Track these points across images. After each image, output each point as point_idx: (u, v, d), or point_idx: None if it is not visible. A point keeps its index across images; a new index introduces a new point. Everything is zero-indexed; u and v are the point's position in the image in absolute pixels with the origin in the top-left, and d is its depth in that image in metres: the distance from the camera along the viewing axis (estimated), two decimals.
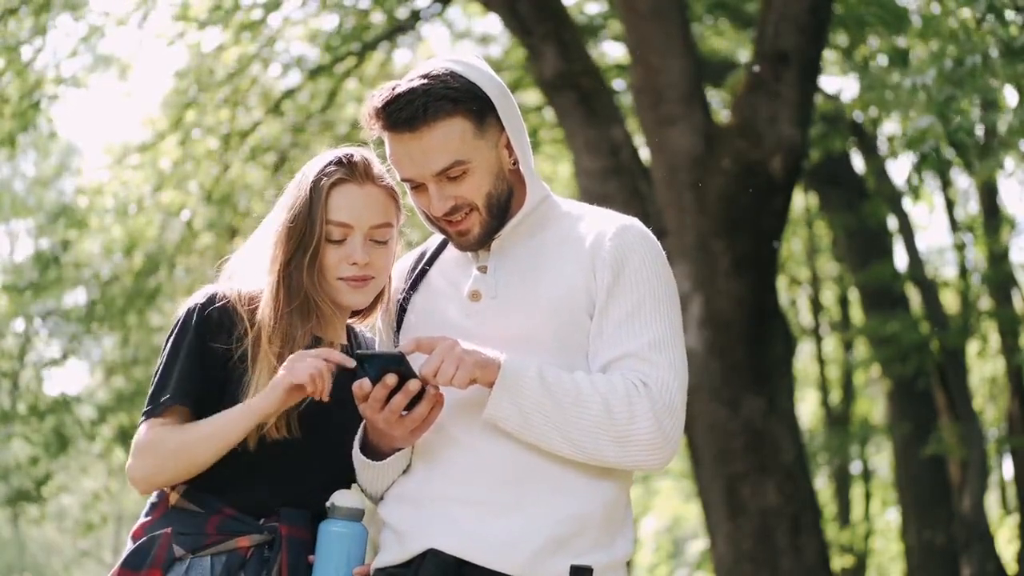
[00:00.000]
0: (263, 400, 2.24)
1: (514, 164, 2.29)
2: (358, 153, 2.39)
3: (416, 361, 2.16)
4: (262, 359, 2.30)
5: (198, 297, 2.37)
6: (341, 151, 2.39)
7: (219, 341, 2.32)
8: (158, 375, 2.34)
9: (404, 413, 2.15)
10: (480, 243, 2.28)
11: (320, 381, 2.20)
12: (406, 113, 2.17)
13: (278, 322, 2.32)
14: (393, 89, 2.20)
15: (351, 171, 2.36)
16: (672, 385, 2.18)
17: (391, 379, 2.12)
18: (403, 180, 2.27)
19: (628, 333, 2.21)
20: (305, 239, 2.33)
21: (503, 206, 2.27)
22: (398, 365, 2.12)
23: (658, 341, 2.21)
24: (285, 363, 2.24)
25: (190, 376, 2.31)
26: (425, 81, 2.19)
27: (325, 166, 2.37)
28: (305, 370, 2.21)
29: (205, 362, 2.31)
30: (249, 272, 2.41)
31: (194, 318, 2.34)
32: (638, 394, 2.15)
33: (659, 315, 2.23)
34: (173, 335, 2.36)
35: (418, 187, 2.25)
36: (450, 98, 2.18)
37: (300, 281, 2.34)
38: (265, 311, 2.34)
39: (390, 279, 2.45)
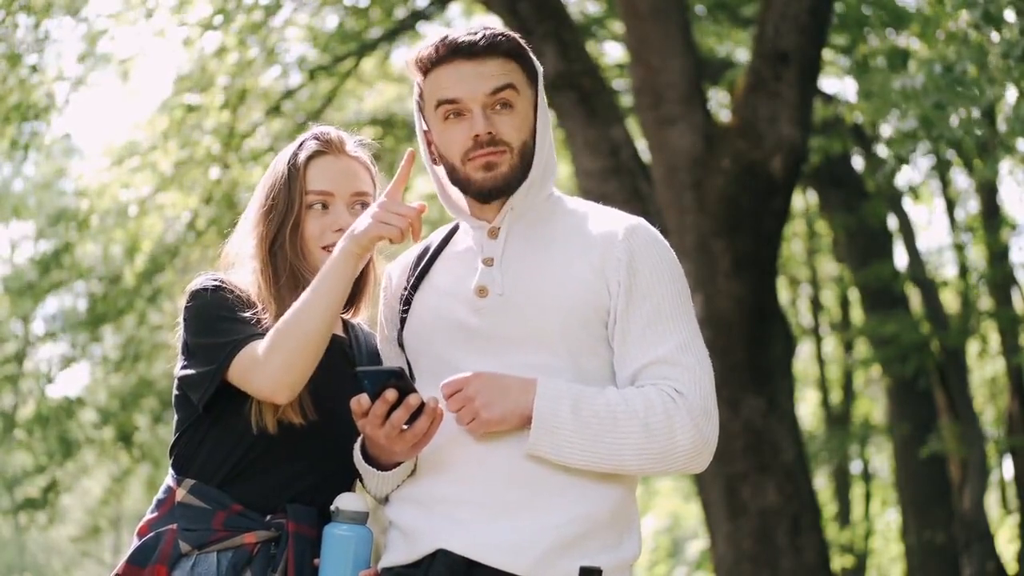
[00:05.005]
0: (352, 243, 2.19)
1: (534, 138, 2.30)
2: (332, 129, 2.46)
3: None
4: None
5: (206, 281, 2.36)
6: (315, 130, 2.46)
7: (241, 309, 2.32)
8: (210, 333, 2.28)
9: (404, 427, 2.15)
10: (504, 184, 2.25)
11: (417, 224, 2.19)
12: (468, 40, 2.23)
13: (271, 300, 2.33)
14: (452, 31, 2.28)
15: (327, 144, 2.43)
16: (705, 385, 2.20)
17: (391, 394, 2.11)
18: (442, 104, 2.25)
19: (654, 338, 2.22)
20: (286, 213, 2.38)
21: (528, 163, 2.28)
22: (398, 379, 2.11)
23: (685, 343, 2.22)
24: (364, 215, 2.21)
25: (249, 320, 2.28)
26: (487, 28, 2.27)
27: (300, 143, 2.44)
28: (397, 223, 2.17)
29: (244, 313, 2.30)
30: (241, 262, 2.43)
31: (212, 293, 2.32)
32: (675, 405, 2.16)
33: (680, 315, 2.25)
34: (199, 307, 2.32)
35: (457, 115, 2.24)
36: (508, 46, 2.26)
37: (285, 256, 2.36)
38: (258, 295, 2.34)
39: (372, 264, 2.47)
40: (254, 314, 2.31)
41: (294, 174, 2.39)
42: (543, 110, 2.32)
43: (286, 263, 2.36)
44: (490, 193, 2.26)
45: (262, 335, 2.26)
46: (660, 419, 2.15)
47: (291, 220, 2.37)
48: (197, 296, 2.34)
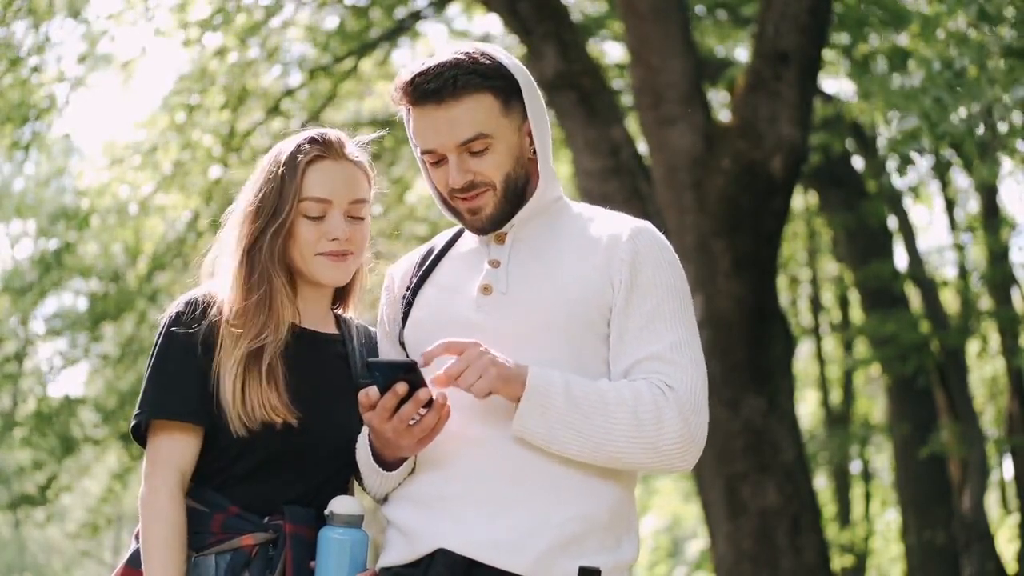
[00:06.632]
0: None
1: (533, 153, 2.30)
2: (331, 131, 2.40)
3: (438, 363, 2.15)
4: (225, 339, 2.29)
5: (177, 306, 2.35)
6: (315, 131, 2.40)
7: (201, 347, 2.31)
8: (150, 383, 2.31)
9: (411, 422, 2.14)
10: (492, 224, 2.28)
11: None
12: (434, 84, 2.20)
13: (238, 299, 2.31)
14: (423, 63, 2.23)
15: (326, 148, 2.37)
16: (696, 385, 2.20)
17: (401, 387, 2.09)
18: (424, 153, 2.27)
19: (650, 336, 2.22)
20: (274, 215, 2.33)
21: (519, 191, 2.28)
22: (409, 373, 2.09)
23: (679, 342, 2.22)
24: None
25: (185, 391, 2.28)
26: (456, 56, 2.23)
27: (300, 144, 2.37)
28: None
29: (194, 371, 2.30)
30: (223, 264, 2.40)
31: (175, 327, 2.32)
32: (664, 399, 2.16)
33: (678, 316, 2.25)
34: (158, 339, 2.34)
35: (438, 162, 2.26)
36: (479, 73, 2.22)
37: (262, 258, 2.32)
38: (228, 291, 2.33)
39: (362, 266, 2.46)
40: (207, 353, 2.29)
41: (290, 178, 2.33)
42: (538, 115, 2.29)
43: (261, 263, 2.33)
44: (480, 230, 2.30)
45: (170, 411, 2.27)
46: (649, 408, 2.15)
47: (277, 224, 2.32)
48: (163, 326, 2.34)
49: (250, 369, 2.27)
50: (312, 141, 2.37)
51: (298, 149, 2.36)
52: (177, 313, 2.34)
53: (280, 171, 2.35)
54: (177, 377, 2.29)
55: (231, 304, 2.31)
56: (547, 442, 2.15)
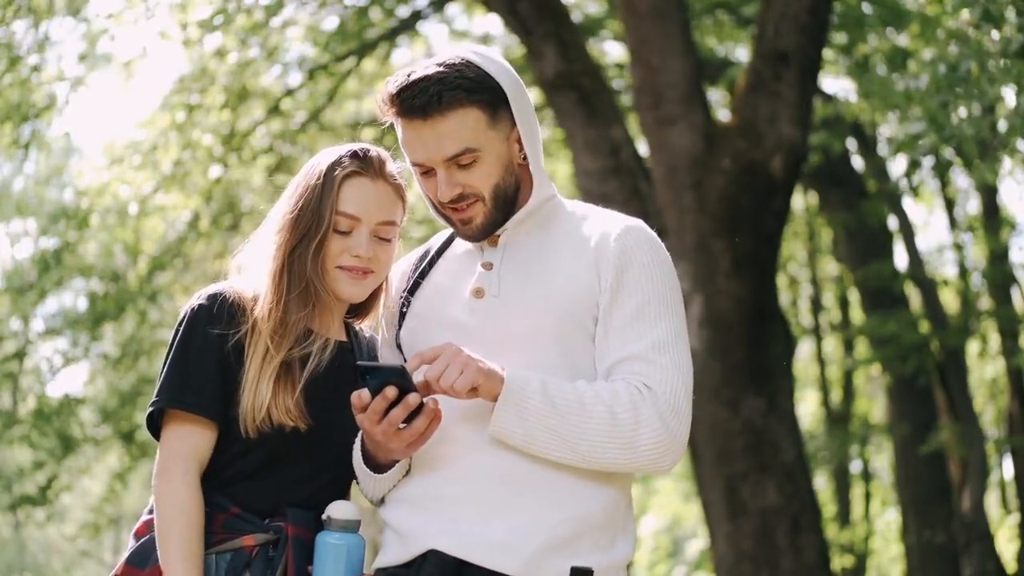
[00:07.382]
0: None
1: (523, 159, 2.30)
2: (374, 148, 2.40)
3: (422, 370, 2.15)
4: (257, 344, 2.30)
5: (201, 298, 2.36)
6: (357, 145, 2.41)
7: (224, 341, 2.32)
8: (170, 374, 2.31)
9: (402, 426, 2.14)
10: (483, 233, 2.28)
11: None
12: (420, 100, 2.19)
13: (276, 308, 2.32)
14: (408, 75, 2.22)
15: (366, 164, 2.37)
16: (676, 386, 2.18)
17: (391, 391, 2.11)
18: (413, 164, 2.28)
19: (632, 335, 2.21)
20: (313, 227, 2.33)
21: (509, 199, 2.28)
22: (399, 378, 2.11)
23: (662, 342, 2.20)
24: None
25: (206, 386, 2.29)
26: (441, 69, 2.21)
27: (340, 157, 2.38)
28: None
29: (216, 367, 2.30)
30: (256, 265, 2.41)
31: (200, 320, 2.32)
32: (642, 398, 2.15)
33: (663, 316, 2.23)
34: (178, 331, 2.34)
35: (427, 172, 2.26)
36: (464, 87, 2.20)
37: (304, 268, 2.34)
38: (265, 297, 2.33)
39: (387, 279, 2.46)
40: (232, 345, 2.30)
41: (328, 190, 2.34)
42: (526, 121, 2.28)
43: (304, 276, 2.34)
44: (472, 239, 2.30)
45: (190, 403, 2.27)
46: (626, 408, 2.14)
47: (317, 235, 2.33)
48: (186, 317, 2.35)
49: (285, 378, 2.29)
50: (354, 156, 2.38)
51: (338, 161, 2.37)
52: (201, 306, 2.34)
53: (320, 184, 2.35)
54: (198, 370, 2.30)
55: (269, 310, 2.32)
56: (525, 443, 2.15)
